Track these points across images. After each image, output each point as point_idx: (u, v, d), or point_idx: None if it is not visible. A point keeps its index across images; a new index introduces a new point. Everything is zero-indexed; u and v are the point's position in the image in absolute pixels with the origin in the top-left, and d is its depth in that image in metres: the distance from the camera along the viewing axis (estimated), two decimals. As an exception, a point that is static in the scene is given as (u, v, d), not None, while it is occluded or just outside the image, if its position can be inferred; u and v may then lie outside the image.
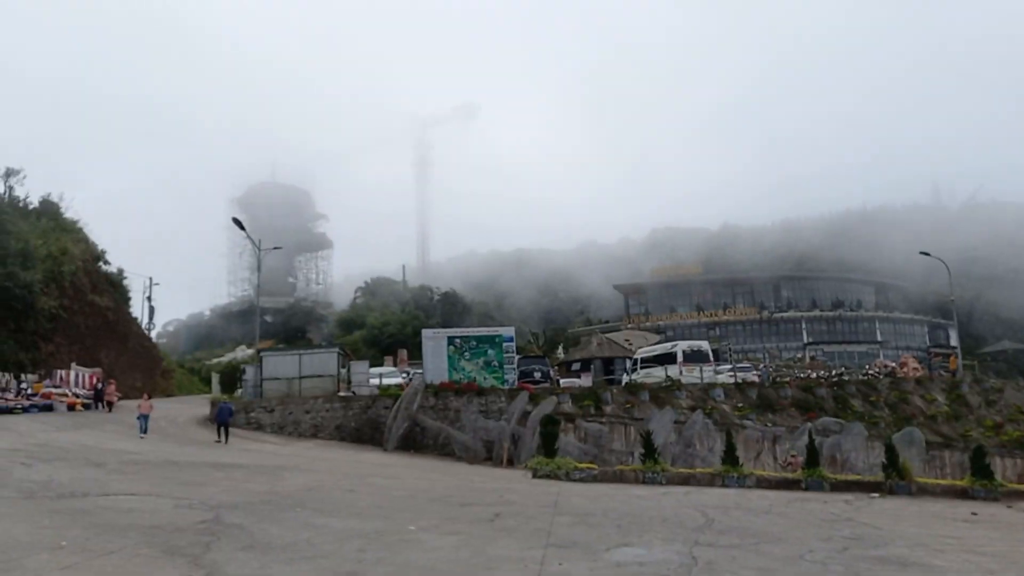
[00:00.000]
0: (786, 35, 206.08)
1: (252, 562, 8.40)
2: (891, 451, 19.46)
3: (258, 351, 32.32)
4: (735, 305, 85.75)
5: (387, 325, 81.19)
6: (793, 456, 24.03)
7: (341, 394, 31.04)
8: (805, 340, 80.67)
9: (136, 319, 63.17)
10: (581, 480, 19.43)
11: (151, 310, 66.33)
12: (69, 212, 57.23)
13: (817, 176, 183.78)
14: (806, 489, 19.00)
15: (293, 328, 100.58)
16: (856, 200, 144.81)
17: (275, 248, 40.80)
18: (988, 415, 36.44)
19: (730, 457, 19.76)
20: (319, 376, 31.18)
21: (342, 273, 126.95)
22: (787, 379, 37.40)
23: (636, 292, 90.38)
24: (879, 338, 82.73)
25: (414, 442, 29.40)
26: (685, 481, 19.40)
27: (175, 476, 16.83)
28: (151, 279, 66.42)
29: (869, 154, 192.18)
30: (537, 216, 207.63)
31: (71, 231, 55.24)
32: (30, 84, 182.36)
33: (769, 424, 30.89)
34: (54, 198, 56.33)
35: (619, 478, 19.63)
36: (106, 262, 61.33)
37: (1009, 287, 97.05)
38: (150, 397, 26.58)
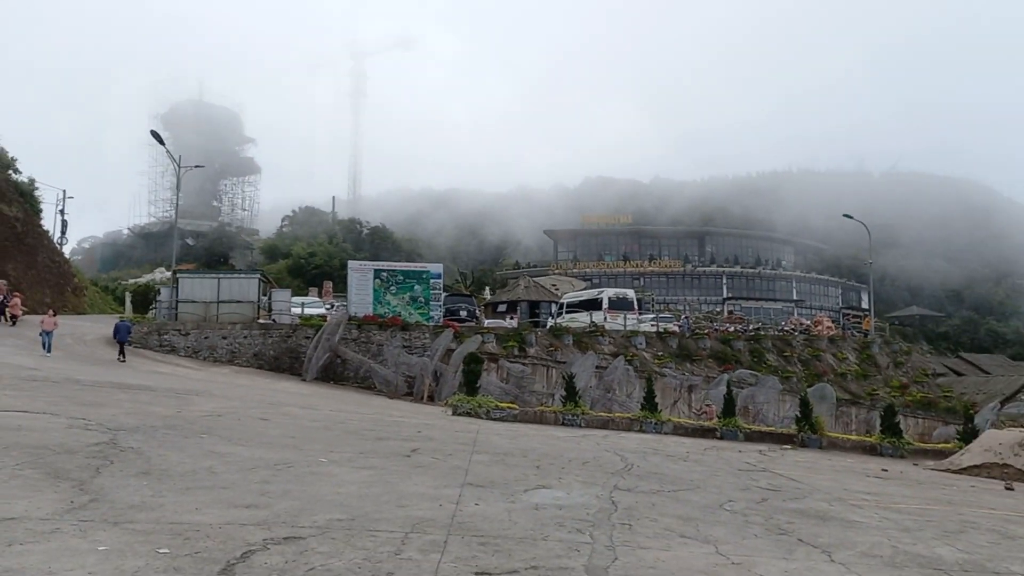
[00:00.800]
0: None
1: (144, 489, 7.83)
2: (805, 405, 19.89)
3: (174, 272, 30.94)
4: (660, 257, 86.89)
5: (313, 256, 79.45)
6: (708, 405, 24.44)
7: (261, 321, 30.12)
8: (725, 295, 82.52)
9: (48, 232, 60.01)
10: (501, 419, 19.28)
11: (64, 224, 63.21)
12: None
13: (743, 137, 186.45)
14: (721, 438, 19.31)
15: (216, 253, 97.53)
16: (781, 162, 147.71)
17: (196, 167, 38.85)
18: (895, 376, 37.87)
19: (649, 403, 19.89)
20: (238, 302, 30.11)
21: (270, 201, 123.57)
22: (706, 331, 38.00)
23: (565, 238, 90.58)
24: (795, 296, 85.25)
25: (334, 374, 28.85)
26: (604, 425, 19.46)
27: (75, 396, 15.94)
28: (64, 192, 63.09)
29: (798, 126, 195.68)
30: (470, 156, 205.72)
31: (-25, 135, 51.73)
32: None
33: (687, 374, 31.35)
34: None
35: (539, 419, 19.55)
36: (16, 171, 57.79)
37: (921, 256, 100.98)
38: (55, 314, 25.02)
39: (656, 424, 19.37)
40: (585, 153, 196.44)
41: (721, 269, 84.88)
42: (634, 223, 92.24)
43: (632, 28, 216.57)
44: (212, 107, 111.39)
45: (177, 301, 29.91)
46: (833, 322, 48.87)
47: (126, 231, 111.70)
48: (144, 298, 32.34)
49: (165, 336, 29.11)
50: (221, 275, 31.44)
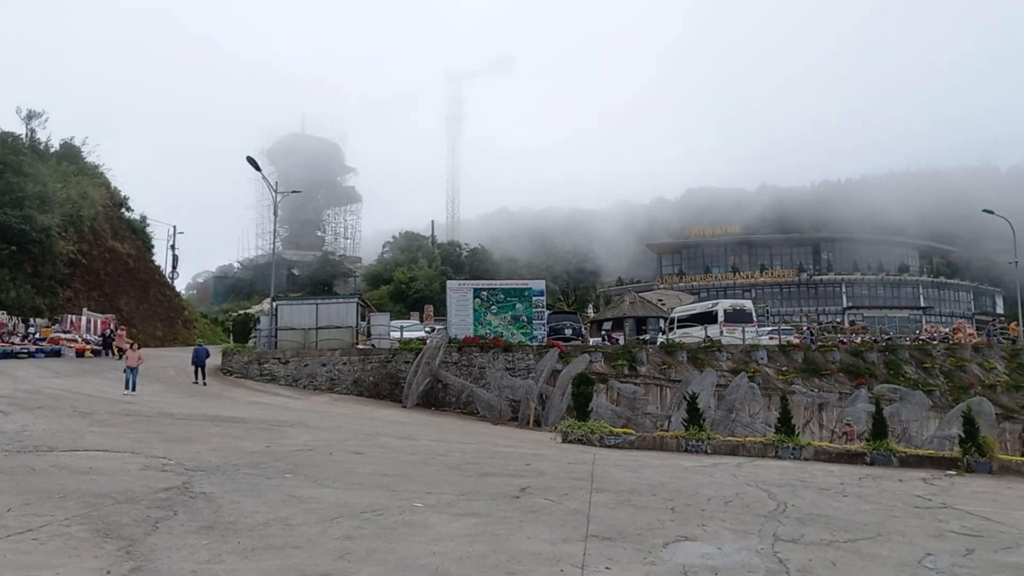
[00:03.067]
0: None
1: (201, 551, 6.44)
2: (970, 423, 17.12)
3: (273, 300, 30.49)
4: (772, 267, 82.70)
5: (414, 280, 79.52)
6: (848, 425, 21.78)
7: (360, 347, 29.21)
8: (845, 304, 77.64)
9: (159, 268, 61.96)
10: (616, 446, 17.40)
11: (175, 259, 65.10)
12: (91, 157, 55.77)
13: (855, 139, 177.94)
14: (871, 463, 16.81)
15: (320, 282, 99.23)
16: (898, 160, 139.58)
17: (294, 192, 38.82)
18: (1053, 387, 33.79)
19: (785, 425, 17.58)
20: (337, 327, 29.31)
21: (372, 228, 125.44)
22: (834, 343, 34.89)
23: (670, 252, 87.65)
24: (922, 303, 79.39)
25: (435, 399, 27.58)
26: (734, 451, 17.28)
27: (164, 430, 15.06)
28: (174, 227, 65.05)
29: (910, 120, 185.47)
30: (568, 174, 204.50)
31: (92, 175, 53.79)
32: (60, 29, 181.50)
33: (817, 390, 28.55)
34: (76, 142, 54.71)
35: (659, 445, 17.56)
36: (129, 209, 60.05)
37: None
38: (139, 347, 24.56)
39: (794, 449, 17.05)
40: (685, 164, 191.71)
41: (839, 277, 79.87)
42: (742, 233, 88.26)
43: (729, 28, 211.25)
44: (314, 139, 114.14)
45: (276, 329, 29.37)
46: (975, 329, 44.49)
47: (236, 264, 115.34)
48: (244, 327, 32.04)
49: (265, 365, 28.55)
50: (319, 300, 30.76)
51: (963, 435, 17.23)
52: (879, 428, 17.42)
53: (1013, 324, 45.94)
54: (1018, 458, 18.14)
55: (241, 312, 46.66)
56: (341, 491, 9.47)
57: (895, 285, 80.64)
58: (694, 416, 17.78)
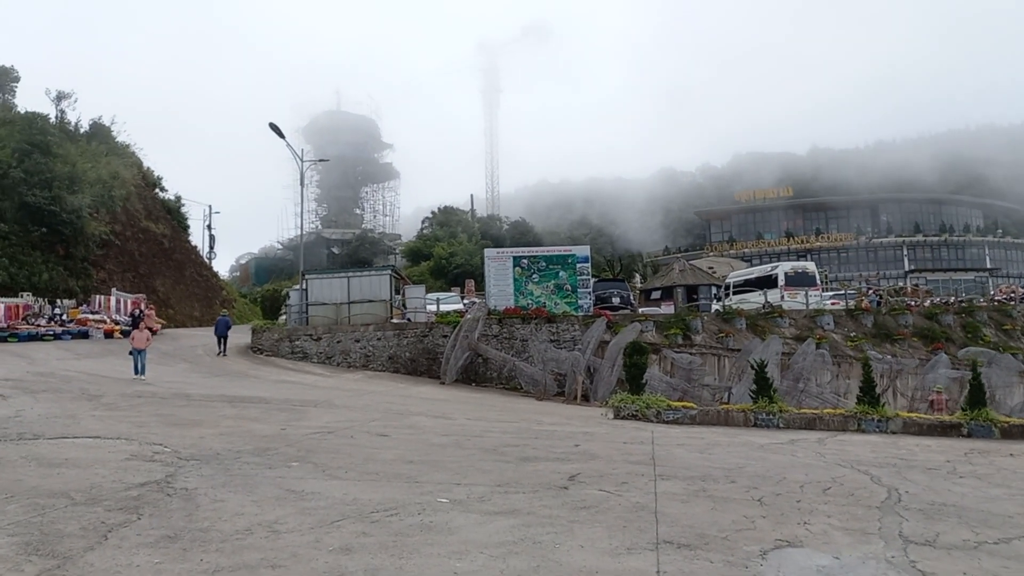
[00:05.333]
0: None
1: (145, 574, 4.82)
2: (1087, 389, 14.89)
3: (303, 273, 29.05)
4: (828, 231, 79.25)
5: (454, 255, 77.90)
6: (937, 392, 19.56)
7: (394, 321, 27.65)
8: (907, 267, 74.08)
9: (196, 248, 61.30)
10: (676, 422, 15.53)
11: (211, 239, 64.39)
12: (122, 136, 54.90)
13: (909, 95, 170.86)
14: (969, 435, 14.70)
15: (360, 260, 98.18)
16: (957, 120, 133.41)
17: (320, 161, 37.45)
18: None
19: (869, 394, 15.49)
20: (370, 301, 27.76)
21: (411, 205, 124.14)
22: (906, 306, 32.36)
23: (719, 218, 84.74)
24: (988, 265, 75.38)
25: (475, 374, 25.95)
26: (809, 425, 15.27)
27: (172, 414, 13.62)
28: (210, 207, 64.30)
29: (960, 75, 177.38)
30: (610, 144, 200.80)
31: (123, 155, 52.97)
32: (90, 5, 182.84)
33: (895, 356, 26.23)
34: (105, 121, 53.91)
35: (724, 420, 15.63)
36: (163, 189, 59.30)
37: None
38: (148, 327, 22.94)
39: (880, 421, 14.98)
40: (733, 131, 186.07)
41: (900, 239, 76.05)
42: (795, 196, 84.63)
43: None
44: (350, 116, 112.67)
45: (307, 304, 27.93)
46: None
47: (278, 245, 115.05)
48: (274, 303, 30.73)
49: (296, 342, 27.16)
50: (351, 273, 29.20)
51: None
52: (977, 396, 15.27)
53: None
54: None
55: (271, 288, 45.48)
56: (352, 483, 7.81)
57: (959, 246, 76.64)
58: (763, 387, 15.81)
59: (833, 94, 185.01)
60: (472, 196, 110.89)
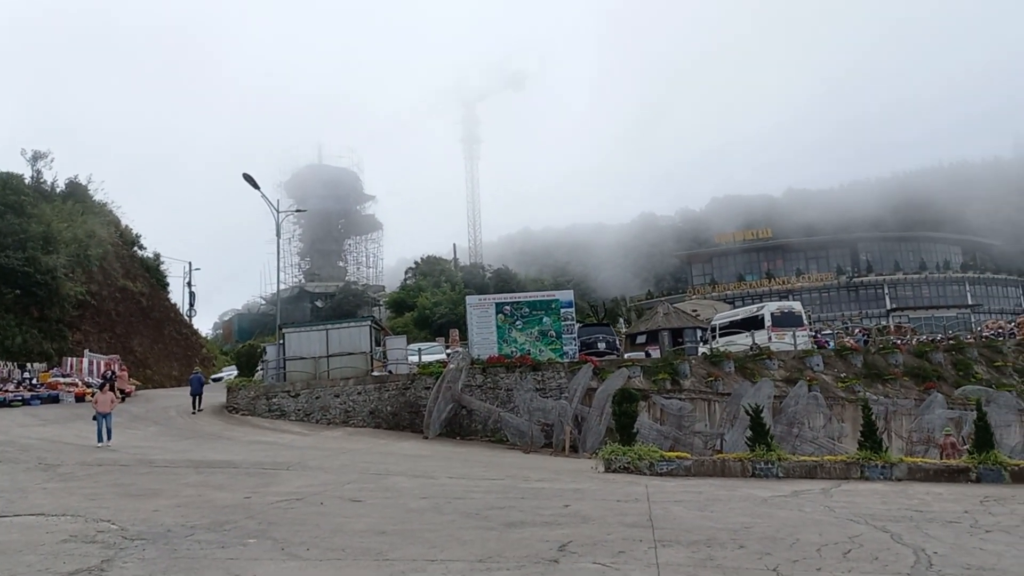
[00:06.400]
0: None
1: None
2: (1097, 427, 14.24)
3: (279, 327, 28.14)
4: (808, 271, 79.26)
5: (438, 305, 77.27)
6: (947, 435, 18.85)
7: (375, 374, 26.71)
8: (889, 306, 73.93)
9: (175, 306, 60.16)
10: (671, 474, 14.72)
11: (191, 296, 63.31)
12: (99, 195, 54.01)
13: (881, 137, 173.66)
14: (978, 480, 14.01)
15: (344, 312, 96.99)
16: (929, 158, 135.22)
17: (298, 211, 36.84)
18: None
19: (871, 439, 14.77)
20: (350, 354, 26.83)
21: (394, 255, 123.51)
22: (896, 344, 31.79)
23: (700, 261, 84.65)
24: (970, 301, 75.40)
25: (460, 427, 24.99)
26: (810, 473, 14.51)
27: (133, 482, 12.68)
28: (190, 264, 63.33)
29: (932, 120, 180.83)
30: (590, 190, 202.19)
31: (100, 214, 52.00)
32: (69, 73, 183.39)
33: (891, 397, 25.55)
34: (82, 180, 53.10)
35: (721, 470, 14.84)
36: (141, 247, 58.34)
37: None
38: (120, 389, 21.87)
39: (884, 468, 14.24)
40: (709, 173, 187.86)
41: (881, 278, 76.02)
42: (774, 237, 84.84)
43: (756, 33, 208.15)
44: (331, 169, 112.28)
45: (284, 359, 26.97)
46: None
47: (261, 300, 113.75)
48: (250, 359, 29.79)
49: (273, 399, 26.11)
50: (329, 326, 28.29)
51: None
52: (983, 437, 14.60)
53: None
54: None
55: (247, 343, 44.46)
56: (313, 564, 6.94)
57: (940, 283, 76.71)
58: (759, 434, 15.04)
59: (809, 137, 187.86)
60: (455, 245, 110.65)
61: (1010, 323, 40.37)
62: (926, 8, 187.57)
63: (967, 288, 76.85)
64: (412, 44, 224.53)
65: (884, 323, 64.61)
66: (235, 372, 34.76)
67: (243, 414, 26.20)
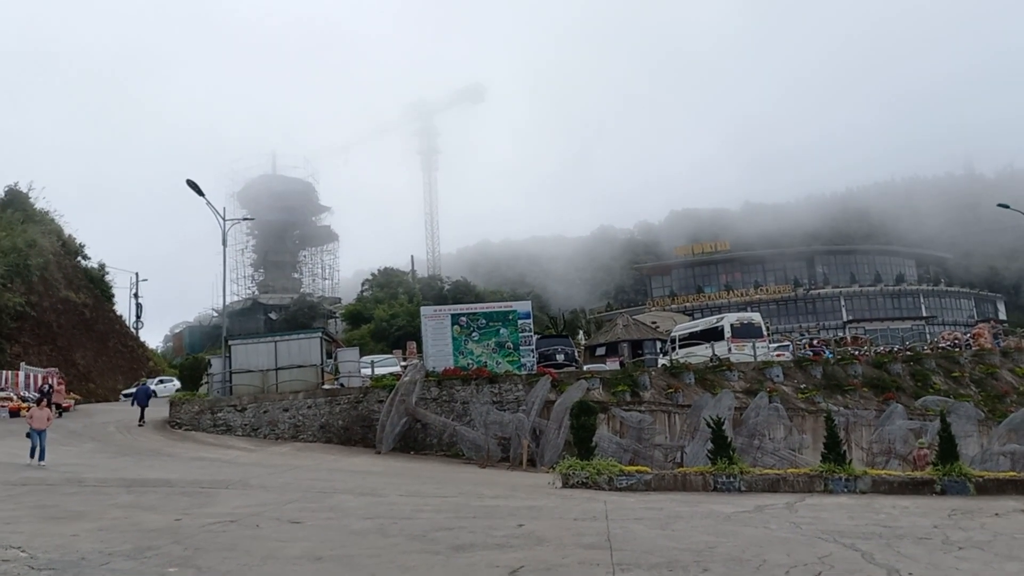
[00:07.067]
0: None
1: None
2: (1060, 437, 14.06)
3: (225, 339, 27.11)
4: (766, 283, 79.92)
5: (395, 317, 76.18)
6: (920, 448, 18.68)
7: (326, 387, 25.83)
8: (845, 317, 74.79)
9: (121, 317, 58.29)
10: (630, 489, 14.19)
11: (138, 308, 61.48)
12: (40, 203, 52.14)
13: (836, 154, 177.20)
14: (943, 492, 13.70)
15: (298, 324, 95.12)
16: (882, 174, 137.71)
17: (245, 219, 35.80)
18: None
19: (834, 451, 14.41)
20: (299, 367, 25.91)
21: (350, 267, 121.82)
22: (855, 355, 31.79)
23: (659, 273, 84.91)
24: (924, 313, 76.63)
25: (414, 442, 24.22)
26: (773, 487, 14.10)
27: (57, 503, 11.77)
28: (137, 275, 61.51)
29: (889, 137, 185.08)
30: (549, 202, 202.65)
31: (42, 222, 50.19)
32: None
33: (852, 408, 25.42)
34: (22, 187, 51.23)
35: (682, 484, 14.37)
36: (86, 257, 56.41)
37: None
38: (57, 404, 20.69)
39: (848, 481, 13.89)
40: (669, 185, 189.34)
41: (837, 290, 76.93)
42: (732, 250, 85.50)
43: (714, 49, 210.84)
44: (286, 179, 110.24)
45: (231, 372, 25.94)
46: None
47: (213, 312, 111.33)
48: (195, 372, 28.70)
49: (219, 414, 25.06)
50: (278, 337, 27.35)
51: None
52: (948, 449, 14.32)
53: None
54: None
55: (191, 356, 43.17)
56: (236, 597, 6.21)
57: (895, 296, 77.89)
58: (721, 446, 14.59)
59: (765, 153, 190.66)
60: (412, 257, 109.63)
61: (966, 334, 40.79)
62: (883, 33, 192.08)
63: (921, 300, 78.12)
64: (369, 67, 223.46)
65: (841, 335, 65.27)
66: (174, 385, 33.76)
67: (186, 429, 25.11)
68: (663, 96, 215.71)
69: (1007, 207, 36.00)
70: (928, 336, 64.73)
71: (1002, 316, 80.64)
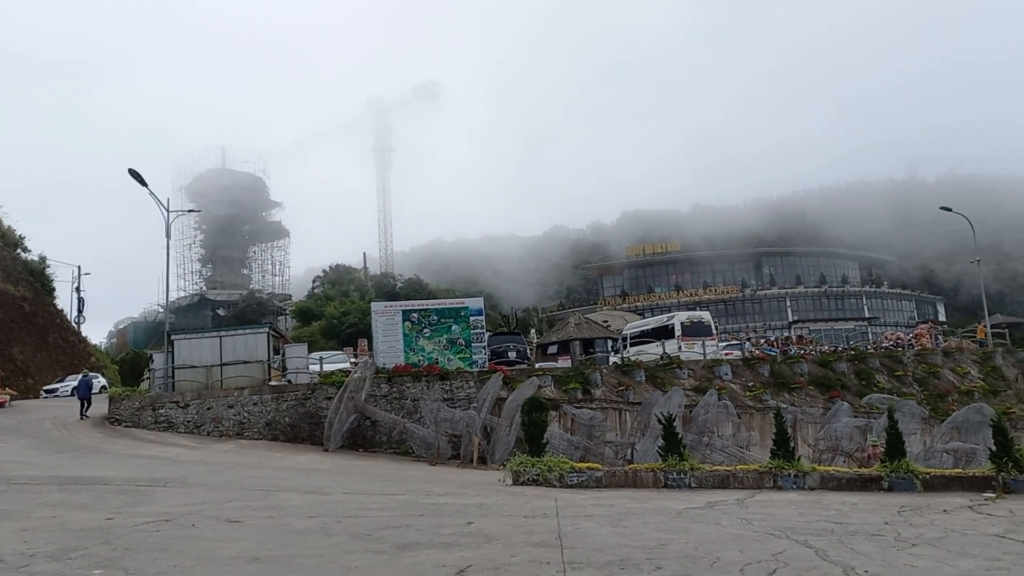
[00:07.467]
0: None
1: None
2: (1003, 434, 14.30)
3: (168, 334, 26.31)
4: (715, 284, 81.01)
5: (347, 315, 75.28)
6: (873, 446, 18.90)
7: (273, 383, 25.25)
8: (791, 318, 76.16)
9: (62, 312, 56.45)
10: (581, 486, 14.03)
11: (80, 302, 59.52)
12: (-24, 194, 50.33)
13: (783, 160, 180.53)
14: (890, 489, 13.82)
15: (247, 321, 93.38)
16: (828, 179, 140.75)
17: (191, 211, 34.91)
18: (1028, 389, 31.74)
19: (783, 448, 14.45)
20: (245, 362, 25.28)
21: (302, 264, 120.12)
22: (802, 354, 32.24)
23: (611, 273, 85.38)
24: (867, 314, 78.44)
25: (364, 439, 23.79)
26: (723, 483, 14.07)
27: (-22, 504, 11.13)
28: (79, 268, 59.64)
29: (836, 142, 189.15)
30: (502, 201, 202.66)
31: (-22, 214, 48.50)
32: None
33: (799, 406, 25.71)
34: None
35: (632, 481, 14.25)
36: (26, 249, 54.59)
37: (994, 260, 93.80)
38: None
39: (797, 477, 13.93)
40: (620, 187, 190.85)
41: (783, 291, 78.40)
42: (682, 251, 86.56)
43: (665, 54, 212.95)
44: (236, 174, 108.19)
45: (173, 368, 25.19)
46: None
47: (159, 308, 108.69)
48: (135, 367, 27.85)
49: (160, 411, 24.30)
50: (223, 333, 26.65)
51: (993, 449, 14.40)
52: (895, 446, 14.45)
53: (980, 326, 44.45)
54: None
55: (132, 351, 42.01)
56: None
57: (838, 297, 79.62)
58: (672, 443, 14.51)
59: (716, 158, 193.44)
60: (365, 254, 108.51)
61: (908, 335, 41.71)
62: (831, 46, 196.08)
63: (864, 302, 79.91)
64: (325, 64, 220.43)
65: (787, 334, 66.31)
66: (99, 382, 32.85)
67: (126, 426, 24.32)
68: (616, 101, 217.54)
69: (949, 210, 36.90)
70: (871, 336, 66.25)
71: (942, 317, 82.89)
